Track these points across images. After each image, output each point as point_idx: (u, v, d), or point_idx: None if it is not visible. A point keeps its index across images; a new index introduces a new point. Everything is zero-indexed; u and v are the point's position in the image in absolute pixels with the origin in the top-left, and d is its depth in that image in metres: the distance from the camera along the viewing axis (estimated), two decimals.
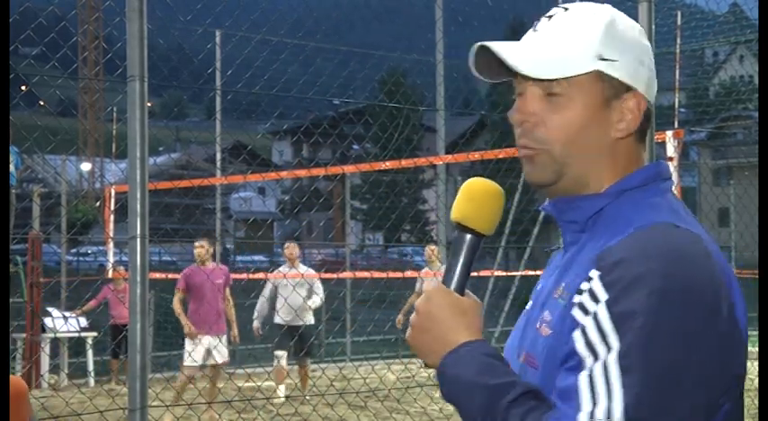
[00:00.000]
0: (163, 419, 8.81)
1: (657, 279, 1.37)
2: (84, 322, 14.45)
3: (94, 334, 14.44)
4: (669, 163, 7.39)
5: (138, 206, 3.30)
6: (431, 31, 11.80)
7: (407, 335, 1.55)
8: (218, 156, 17.08)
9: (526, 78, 1.56)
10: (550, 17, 1.60)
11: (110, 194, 13.04)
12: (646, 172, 1.59)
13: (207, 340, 10.23)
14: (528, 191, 21.16)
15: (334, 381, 9.98)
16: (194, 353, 10.18)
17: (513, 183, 18.63)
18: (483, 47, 1.57)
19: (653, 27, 3.88)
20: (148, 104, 3.39)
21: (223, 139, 16.97)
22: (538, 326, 1.54)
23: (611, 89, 1.57)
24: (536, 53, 1.56)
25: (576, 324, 1.41)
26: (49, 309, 14.39)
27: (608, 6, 1.63)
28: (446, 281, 1.57)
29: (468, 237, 1.58)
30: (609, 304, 1.38)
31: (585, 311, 1.40)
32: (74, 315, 14.32)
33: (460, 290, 1.57)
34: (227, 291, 10.79)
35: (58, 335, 13.74)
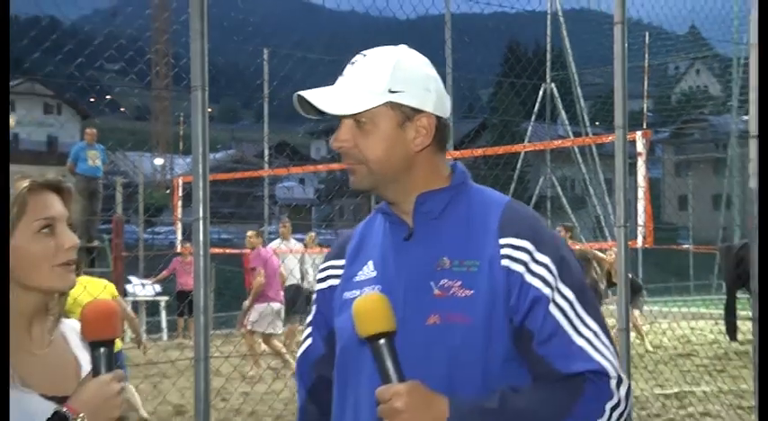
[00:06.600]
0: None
1: (543, 226, 1.66)
2: (158, 288, 14.53)
3: (167, 298, 14.52)
4: (638, 157, 7.36)
5: (201, 193, 3.30)
6: (441, 48, 11.75)
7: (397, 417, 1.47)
8: (266, 152, 17.11)
9: (336, 115, 1.64)
10: (354, 63, 1.67)
11: (178, 184, 13.09)
12: (462, 172, 1.71)
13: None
14: (522, 181, 21.10)
15: None
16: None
17: (510, 174, 18.54)
18: (301, 96, 1.64)
19: (625, 45, 3.83)
20: (209, 110, 3.38)
21: (270, 139, 16.97)
22: (439, 292, 1.59)
23: (402, 114, 1.64)
24: (339, 95, 1.64)
25: (516, 273, 1.59)
26: (130, 278, 14.48)
27: (400, 48, 1.70)
28: (391, 381, 1.49)
29: (383, 341, 1.50)
30: (536, 246, 1.61)
31: (524, 262, 1.59)
32: (150, 282, 14.40)
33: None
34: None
35: (138, 298, 13.84)
